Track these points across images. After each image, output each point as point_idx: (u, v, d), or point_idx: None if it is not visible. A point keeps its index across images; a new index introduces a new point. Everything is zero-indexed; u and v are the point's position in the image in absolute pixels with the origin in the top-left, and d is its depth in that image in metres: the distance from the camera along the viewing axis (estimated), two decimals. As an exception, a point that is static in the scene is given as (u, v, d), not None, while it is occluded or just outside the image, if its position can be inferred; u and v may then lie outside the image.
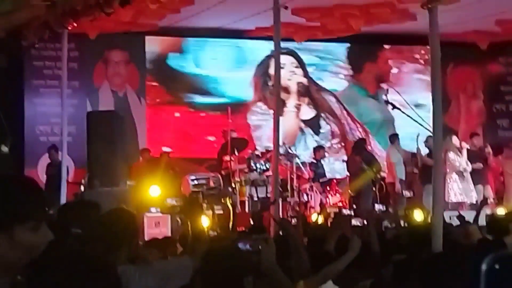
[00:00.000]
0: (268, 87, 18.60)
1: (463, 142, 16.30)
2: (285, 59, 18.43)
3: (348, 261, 5.03)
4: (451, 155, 15.92)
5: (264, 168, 15.51)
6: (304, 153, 18.22)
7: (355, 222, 11.70)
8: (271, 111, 17.51)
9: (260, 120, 18.79)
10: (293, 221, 12.42)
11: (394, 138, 17.12)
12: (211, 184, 15.25)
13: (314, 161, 17.06)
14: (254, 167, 15.53)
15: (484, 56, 19.84)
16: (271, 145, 14.04)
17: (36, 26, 14.03)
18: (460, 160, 15.93)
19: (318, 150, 17.32)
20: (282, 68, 17.92)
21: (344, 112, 19.59)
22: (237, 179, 15.36)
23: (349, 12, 15.85)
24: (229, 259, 3.97)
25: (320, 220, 12.49)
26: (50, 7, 12.31)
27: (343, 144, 19.43)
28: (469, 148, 16.44)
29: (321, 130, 19.41)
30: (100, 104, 17.62)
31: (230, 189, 15.18)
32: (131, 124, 17.27)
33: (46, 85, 17.45)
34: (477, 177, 16.15)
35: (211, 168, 16.67)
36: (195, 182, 15.32)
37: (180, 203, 13.13)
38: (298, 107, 19.19)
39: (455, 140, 16.23)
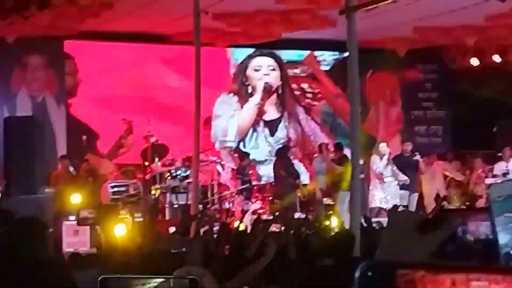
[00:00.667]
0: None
1: (386, 148, 16.47)
2: (263, 60, 19.31)
3: (263, 264, 5.04)
4: (375, 160, 16.15)
5: (184, 174, 15.44)
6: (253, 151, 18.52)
7: (274, 228, 11.78)
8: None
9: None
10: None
11: (321, 147, 17.39)
12: (131, 191, 15.14)
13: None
14: (175, 174, 15.46)
15: (403, 62, 20.12)
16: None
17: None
18: (380, 166, 16.14)
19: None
20: (258, 70, 19.06)
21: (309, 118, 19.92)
22: (157, 186, 15.28)
23: (270, 18, 15.90)
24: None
25: (242, 227, 12.49)
26: (-34, 10, 12.05)
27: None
28: (400, 155, 16.70)
29: (277, 134, 19.57)
30: (17, 110, 17.27)
31: (150, 196, 15.10)
32: (49, 130, 16.99)
33: (-41, 89, 17.07)
34: (409, 184, 16.37)
35: (128, 174, 16.55)
36: (115, 189, 15.19)
37: (95, 214, 12.96)
38: (260, 106, 19.29)
39: (382, 147, 16.43)
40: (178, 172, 15.46)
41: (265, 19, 15.97)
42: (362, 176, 12.96)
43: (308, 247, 6.37)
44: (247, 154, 17.63)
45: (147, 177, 15.61)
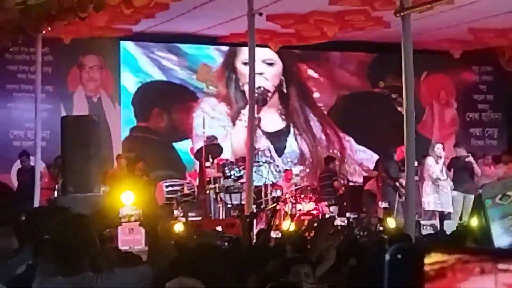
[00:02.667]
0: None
1: (442, 151, 16.27)
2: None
3: (324, 270, 5.14)
4: (431, 162, 16.01)
5: (239, 175, 15.48)
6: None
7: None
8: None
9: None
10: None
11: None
12: (186, 190, 15.24)
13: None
14: (229, 174, 15.52)
15: (458, 64, 19.97)
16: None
17: (9, 30, 13.98)
18: (436, 169, 15.98)
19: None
20: (261, 74, 18.18)
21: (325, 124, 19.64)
22: (211, 186, 15.36)
23: (324, 19, 15.89)
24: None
25: (293, 227, 12.51)
26: (24, 11, 12.27)
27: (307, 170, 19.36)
28: (456, 157, 16.48)
29: (286, 150, 19.29)
30: (74, 109, 17.53)
31: (204, 195, 15.19)
32: (105, 129, 17.18)
33: (20, 89, 17.34)
34: (462, 186, 16.06)
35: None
36: (169, 188, 15.31)
37: (140, 212, 13.09)
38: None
39: (438, 149, 16.25)
40: (232, 172, 15.52)
41: (319, 20, 15.96)
42: (416, 178, 12.93)
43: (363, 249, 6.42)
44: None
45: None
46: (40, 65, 15.10)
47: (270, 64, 18.97)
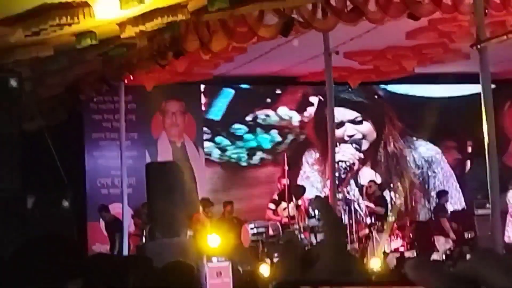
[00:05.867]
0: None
1: None
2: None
3: None
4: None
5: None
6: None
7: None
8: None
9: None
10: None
11: None
12: (271, 232, 15.26)
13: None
14: (312, 214, 15.50)
15: (542, 93, 19.62)
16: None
17: (93, 80, 14.33)
18: None
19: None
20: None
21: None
22: (296, 226, 15.35)
23: (402, 53, 15.84)
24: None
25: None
26: (106, 61, 12.55)
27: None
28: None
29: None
30: (158, 155, 17.78)
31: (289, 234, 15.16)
32: (190, 174, 17.35)
33: (105, 137, 17.65)
34: None
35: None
36: (254, 230, 15.35)
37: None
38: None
39: None
40: (316, 212, 15.49)
41: (397, 55, 15.92)
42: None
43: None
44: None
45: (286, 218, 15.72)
46: (124, 113, 15.41)
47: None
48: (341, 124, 18.46)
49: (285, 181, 16.08)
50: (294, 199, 15.71)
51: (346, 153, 18.95)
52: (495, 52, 10.77)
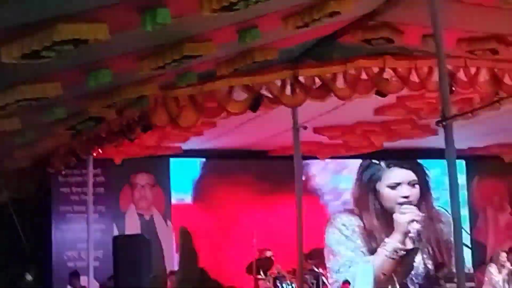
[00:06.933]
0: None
1: (506, 260, 15.88)
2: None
3: None
4: (493, 271, 15.64)
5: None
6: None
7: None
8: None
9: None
10: None
11: None
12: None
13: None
14: (280, 287, 15.40)
15: (509, 168, 19.79)
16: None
17: (61, 153, 14.26)
18: (499, 279, 15.61)
19: None
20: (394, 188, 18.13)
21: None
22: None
23: (370, 129, 15.96)
24: None
25: None
26: (75, 135, 12.51)
27: None
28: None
29: None
30: (126, 228, 17.68)
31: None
32: (157, 247, 17.24)
33: (73, 210, 17.56)
34: None
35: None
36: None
37: None
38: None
39: (503, 257, 15.88)
40: (284, 285, 15.40)
41: (366, 130, 16.04)
42: (472, 284, 12.64)
43: None
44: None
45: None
46: (92, 186, 15.31)
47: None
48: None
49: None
50: (262, 272, 15.61)
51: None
52: (465, 129, 10.91)
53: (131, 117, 11.60)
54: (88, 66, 8.30)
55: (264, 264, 15.91)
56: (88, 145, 13.62)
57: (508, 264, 15.69)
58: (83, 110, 10.60)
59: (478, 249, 16.98)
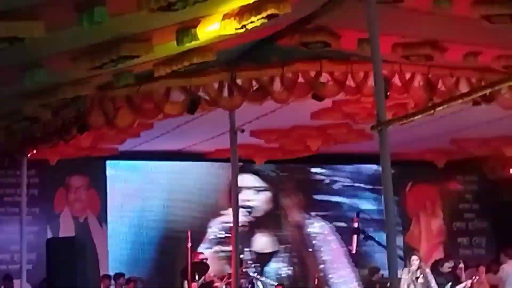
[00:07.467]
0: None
1: (416, 262, 16.04)
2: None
3: None
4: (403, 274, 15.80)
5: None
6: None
7: None
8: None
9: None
10: None
11: None
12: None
13: None
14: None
15: (442, 174, 20.08)
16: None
17: (-6, 153, 14.06)
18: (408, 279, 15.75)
19: None
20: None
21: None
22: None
23: (306, 133, 16.05)
24: None
25: None
26: (9, 135, 12.34)
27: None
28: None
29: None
30: (61, 230, 17.48)
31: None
32: (91, 250, 17.08)
33: (6, 212, 17.30)
34: None
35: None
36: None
37: None
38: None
39: (413, 260, 16.02)
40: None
41: (302, 134, 16.13)
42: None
43: None
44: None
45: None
46: (26, 187, 15.11)
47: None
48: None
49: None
50: (197, 277, 15.58)
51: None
52: (398, 134, 11.03)
53: (67, 117, 11.49)
54: (23, 65, 8.21)
55: (198, 268, 15.86)
56: (22, 145, 13.45)
57: (414, 268, 15.84)
58: (18, 110, 10.47)
59: (411, 254, 17.11)
